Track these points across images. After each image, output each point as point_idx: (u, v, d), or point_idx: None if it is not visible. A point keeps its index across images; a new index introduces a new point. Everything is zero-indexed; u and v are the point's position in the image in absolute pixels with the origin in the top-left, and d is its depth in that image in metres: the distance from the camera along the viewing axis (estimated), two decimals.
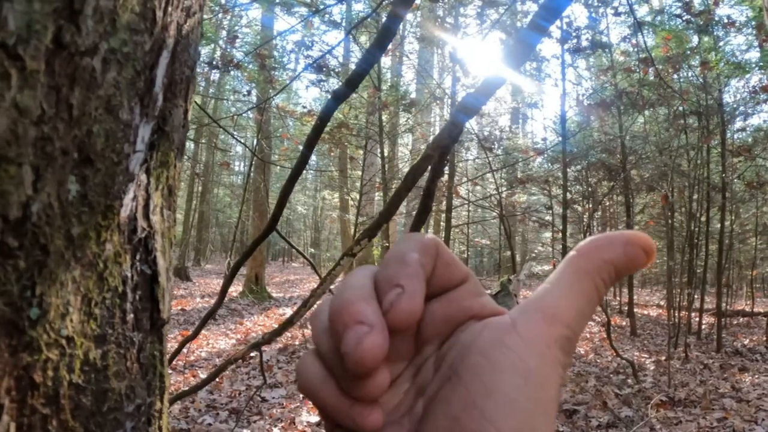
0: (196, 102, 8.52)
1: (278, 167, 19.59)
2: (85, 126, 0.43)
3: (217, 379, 6.10)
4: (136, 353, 0.48)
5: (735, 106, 11.19)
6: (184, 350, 8.12)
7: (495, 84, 1.50)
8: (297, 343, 9.48)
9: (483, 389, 0.33)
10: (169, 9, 0.55)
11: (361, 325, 0.33)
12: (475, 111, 1.54)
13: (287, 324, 2.42)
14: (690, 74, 10.73)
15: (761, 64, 9.58)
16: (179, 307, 12.62)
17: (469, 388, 0.34)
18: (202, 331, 9.84)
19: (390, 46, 14.03)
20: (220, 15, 11.89)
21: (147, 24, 0.51)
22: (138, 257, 0.49)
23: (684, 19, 9.47)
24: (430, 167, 1.63)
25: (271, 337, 2.43)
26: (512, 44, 1.55)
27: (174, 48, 0.56)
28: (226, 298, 12.22)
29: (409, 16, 12.42)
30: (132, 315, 0.48)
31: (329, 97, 2.08)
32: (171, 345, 7.00)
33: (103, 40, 0.45)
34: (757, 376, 7.48)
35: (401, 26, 14.03)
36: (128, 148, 0.47)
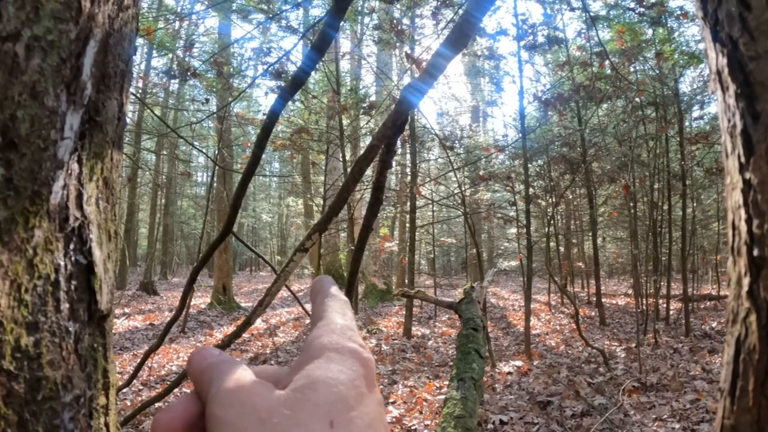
0: (155, 113, 8.41)
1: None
2: (8, 110, 0.43)
3: (185, 389, 6.03)
4: (73, 344, 0.47)
5: (691, 95, 11.37)
6: (154, 365, 8.03)
7: (439, 66, 1.50)
8: (268, 351, 9.43)
9: None
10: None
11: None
12: (419, 96, 1.54)
13: (245, 325, 2.43)
14: (646, 66, 10.89)
15: None
16: (147, 322, 12.48)
17: None
18: (173, 345, 9.74)
19: (348, 50, 13.98)
20: (176, 24, 11.78)
21: (72, 13, 0.51)
22: (72, 246, 0.48)
23: (637, 12, 9.60)
24: (378, 159, 1.62)
25: (230, 339, 2.44)
26: (454, 26, 1.56)
27: (105, 39, 0.56)
28: (194, 311, 12.06)
29: (366, 19, 12.45)
30: (67, 305, 0.47)
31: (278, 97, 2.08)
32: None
33: (26, 27, 0.45)
34: None
35: (359, 28, 14.05)
36: (55, 135, 0.47)
